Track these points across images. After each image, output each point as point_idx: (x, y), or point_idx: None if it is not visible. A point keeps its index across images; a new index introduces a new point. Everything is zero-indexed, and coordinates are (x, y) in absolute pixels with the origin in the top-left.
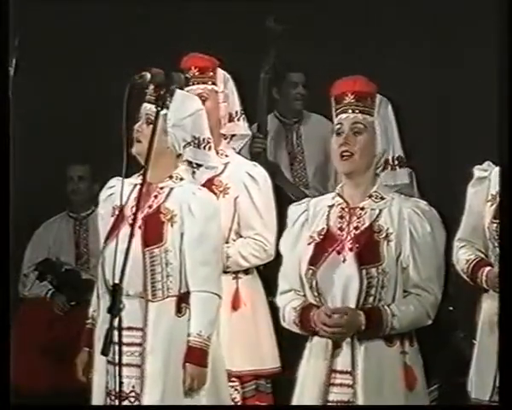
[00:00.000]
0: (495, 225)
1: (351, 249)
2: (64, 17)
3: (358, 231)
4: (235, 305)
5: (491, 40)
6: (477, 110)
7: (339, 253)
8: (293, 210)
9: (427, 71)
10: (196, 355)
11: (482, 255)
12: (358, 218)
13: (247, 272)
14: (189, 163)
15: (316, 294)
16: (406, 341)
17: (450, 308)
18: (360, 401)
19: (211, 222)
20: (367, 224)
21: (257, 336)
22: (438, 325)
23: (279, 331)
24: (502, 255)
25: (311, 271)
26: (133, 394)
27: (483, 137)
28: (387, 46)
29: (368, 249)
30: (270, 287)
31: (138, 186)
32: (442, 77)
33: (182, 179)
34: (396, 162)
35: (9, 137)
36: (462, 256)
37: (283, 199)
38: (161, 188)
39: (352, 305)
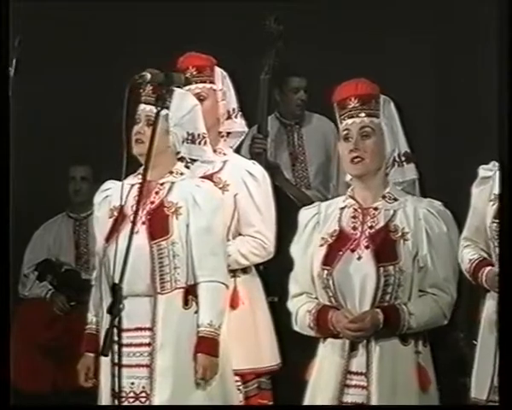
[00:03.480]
0: (495, 224)
1: (367, 247)
2: (64, 17)
3: (373, 231)
4: (234, 304)
5: (492, 38)
6: (479, 110)
7: (353, 251)
8: (304, 214)
9: (428, 71)
10: (208, 345)
11: (485, 255)
12: (372, 218)
13: (245, 270)
14: (183, 159)
15: (331, 294)
16: (420, 340)
17: None
18: (373, 402)
19: (217, 213)
20: (382, 223)
21: (256, 335)
22: None
23: (278, 329)
24: (501, 255)
25: (326, 271)
26: (143, 394)
27: (485, 137)
28: (388, 45)
29: (384, 248)
30: (271, 287)
31: (136, 186)
32: (443, 77)
33: (182, 174)
34: (403, 159)
35: (9, 137)
36: (466, 256)
37: (283, 200)
38: (162, 184)
39: (369, 303)
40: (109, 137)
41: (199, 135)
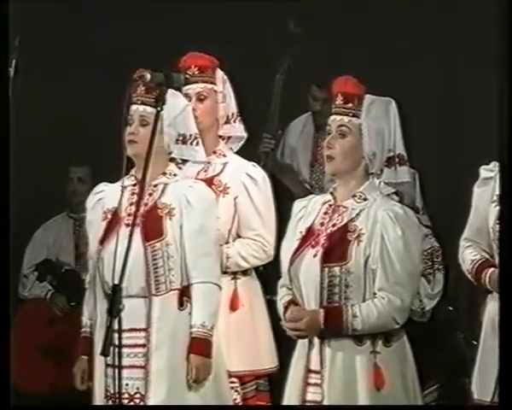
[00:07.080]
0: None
1: (322, 246)
2: (64, 17)
3: (335, 229)
4: (234, 306)
5: (492, 37)
6: (482, 110)
7: (313, 247)
8: (296, 205)
9: (428, 71)
10: (201, 346)
11: (487, 256)
12: (339, 216)
13: (245, 272)
14: (173, 159)
15: (292, 289)
16: (379, 341)
17: (450, 308)
18: (326, 401)
19: (210, 214)
20: (344, 222)
21: (255, 337)
22: (438, 325)
23: (277, 330)
24: (502, 256)
25: (288, 265)
26: (138, 395)
27: (487, 138)
28: (390, 47)
29: (336, 248)
30: (268, 286)
31: (129, 188)
32: (444, 77)
33: (175, 175)
34: (396, 160)
35: (9, 137)
36: (468, 256)
37: (290, 201)
38: (155, 185)
39: (316, 302)
40: (107, 137)
41: (190, 135)
